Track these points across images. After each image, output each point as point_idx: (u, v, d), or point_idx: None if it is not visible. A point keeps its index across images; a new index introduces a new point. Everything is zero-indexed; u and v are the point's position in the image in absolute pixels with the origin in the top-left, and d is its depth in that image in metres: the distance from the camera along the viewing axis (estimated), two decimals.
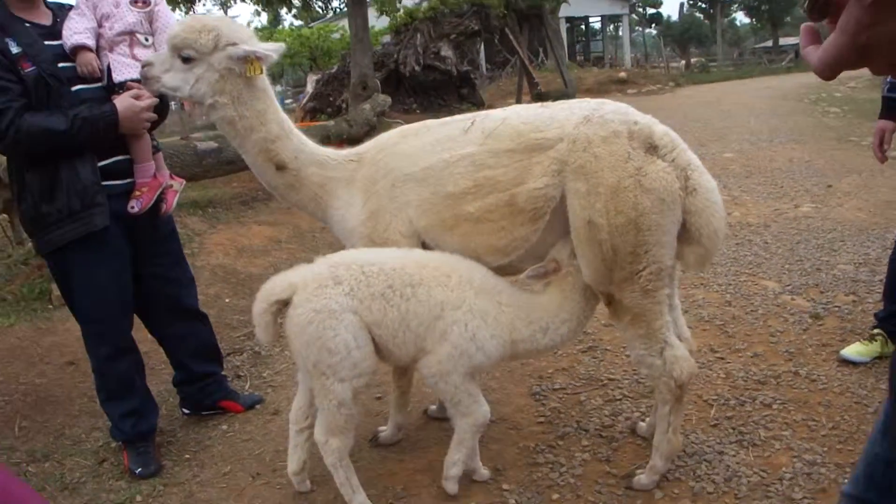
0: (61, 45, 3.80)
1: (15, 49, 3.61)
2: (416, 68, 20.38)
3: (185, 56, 3.44)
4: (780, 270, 6.52)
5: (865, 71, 1.16)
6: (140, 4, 4.00)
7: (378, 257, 3.29)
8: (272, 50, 3.51)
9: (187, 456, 4.20)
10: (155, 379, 4.86)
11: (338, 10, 17.69)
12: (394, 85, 20.04)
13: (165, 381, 4.91)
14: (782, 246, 7.29)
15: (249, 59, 3.41)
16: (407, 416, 4.15)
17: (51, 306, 6.35)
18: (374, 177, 3.59)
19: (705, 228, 3.13)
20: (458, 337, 3.15)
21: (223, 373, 4.77)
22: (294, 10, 19.29)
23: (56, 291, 6.15)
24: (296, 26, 28.27)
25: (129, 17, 3.94)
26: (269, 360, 5.53)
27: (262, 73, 3.49)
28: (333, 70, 20.82)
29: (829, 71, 1.09)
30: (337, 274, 3.18)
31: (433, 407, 4.32)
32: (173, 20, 3.99)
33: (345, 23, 19.97)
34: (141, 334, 4.36)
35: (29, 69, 3.61)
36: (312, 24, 29.11)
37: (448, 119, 3.69)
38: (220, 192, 10.77)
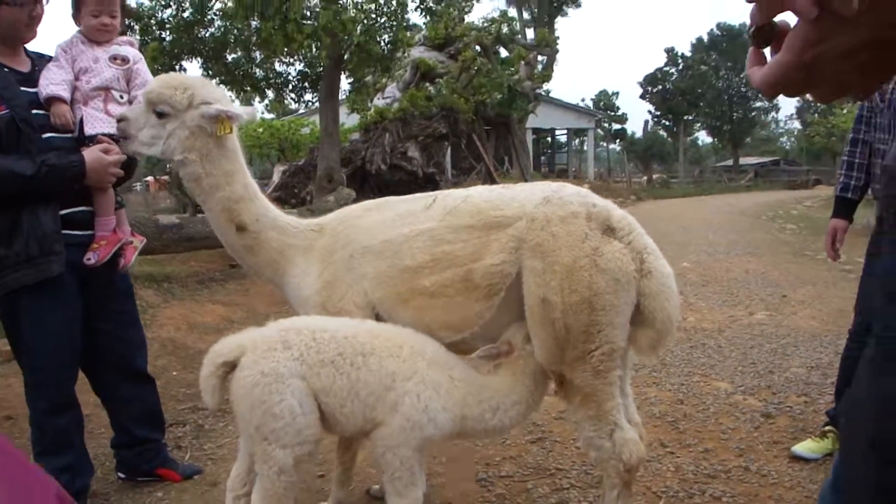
0: (36, 93, 3.84)
1: None
2: (383, 167, 20.56)
3: (160, 111, 3.45)
4: (733, 372, 6.53)
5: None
6: (119, 62, 4.05)
7: (330, 324, 3.23)
8: (243, 112, 3.54)
9: None
10: (93, 442, 4.71)
11: (310, 103, 17.85)
12: (359, 181, 20.18)
13: (103, 445, 4.77)
14: (736, 350, 7.32)
15: (220, 119, 3.43)
16: (349, 493, 4.04)
17: None
18: (333, 247, 3.57)
19: (659, 312, 3.12)
20: (409, 408, 3.05)
21: (164, 441, 4.63)
22: (267, 100, 19.43)
23: (1, 347, 6.04)
24: (267, 118, 28.52)
25: (107, 73, 4.00)
26: (212, 433, 5.39)
27: (231, 132, 3.50)
28: (301, 162, 20.95)
29: (771, 89, 1.08)
30: (287, 338, 3.10)
31: (376, 487, 4.21)
32: (151, 79, 4.01)
33: (315, 118, 20.22)
34: (83, 396, 4.24)
35: (2, 112, 3.63)
36: (284, 117, 29.44)
37: (411, 196, 3.70)
38: (178, 270, 10.71)
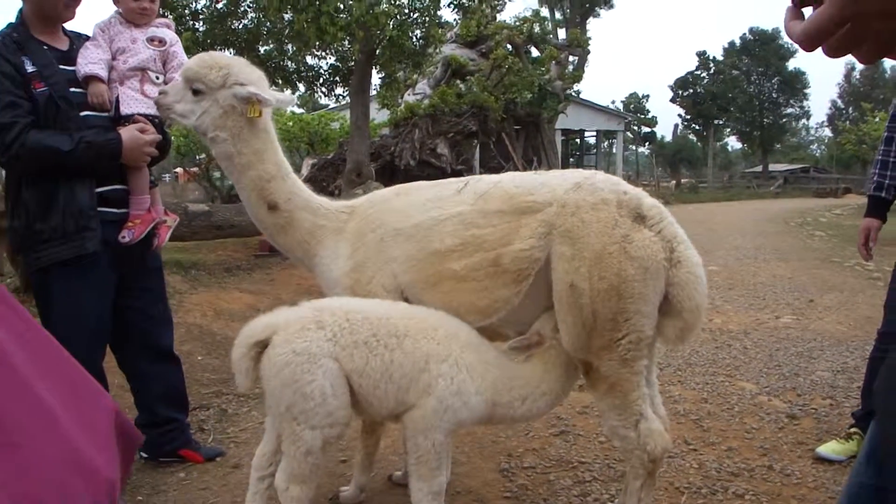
0: (74, 71, 3.90)
1: (30, 68, 3.73)
2: (412, 162, 20.55)
3: (195, 88, 3.52)
4: (759, 374, 6.49)
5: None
6: (156, 43, 4.13)
7: (364, 305, 3.23)
8: (274, 96, 3.57)
9: (139, 498, 4.06)
10: None
11: (340, 97, 17.86)
12: (388, 176, 20.16)
13: None
14: (761, 352, 7.27)
15: (251, 101, 3.46)
16: (371, 479, 4.05)
17: None
18: (364, 230, 3.58)
19: (687, 302, 3.11)
20: (443, 391, 3.05)
21: (187, 422, 4.66)
22: (298, 94, 19.47)
23: None
24: (297, 112, 28.60)
25: (144, 53, 4.06)
26: (236, 417, 5.42)
27: (260, 115, 3.52)
28: (330, 156, 20.98)
29: (810, 42, 1.05)
30: (320, 318, 3.10)
31: (398, 473, 4.21)
32: (186, 61, 4.03)
33: (346, 113, 20.23)
34: (108, 377, 4.25)
35: (41, 89, 3.71)
36: (314, 112, 29.49)
37: (442, 181, 3.71)
38: (205, 258, 10.79)
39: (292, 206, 3.66)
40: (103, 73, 3.95)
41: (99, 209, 3.89)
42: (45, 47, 3.89)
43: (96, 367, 4.02)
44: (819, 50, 1.07)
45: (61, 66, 3.88)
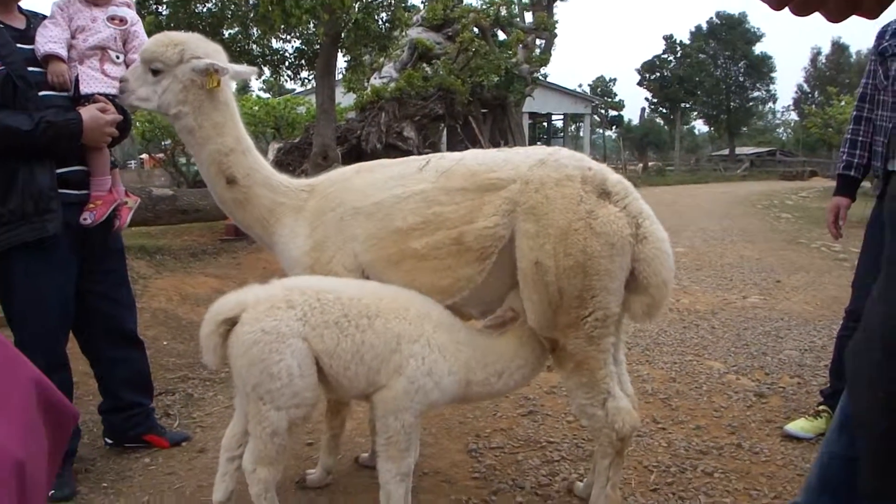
0: (32, 50, 3.80)
1: None
2: (378, 146, 20.43)
3: (154, 68, 3.52)
4: (726, 353, 6.51)
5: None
6: (117, 22, 4.03)
7: (335, 285, 3.17)
8: (231, 66, 3.58)
9: (104, 484, 4.00)
10: (80, 409, 4.62)
11: (306, 80, 17.72)
12: (355, 160, 19.76)
13: (91, 412, 4.71)
14: (729, 331, 7.31)
15: (209, 72, 3.43)
16: (337, 460, 4.00)
17: None
18: (323, 208, 3.52)
19: (654, 278, 3.08)
20: (414, 371, 3.00)
21: (152, 406, 4.59)
22: (263, 78, 19.33)
23: None
24: (263, 97, 28.40)
25: (104, 32, 3.96)
26: (202, 402, 5.35)
27: (218, 85, 3.49)
28: (296, 140, 20.83)
29: (778, 2, 1.04)
30: (291, 297, 3.04)
31: (364, 455, 4.17)
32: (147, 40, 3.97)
33: (312, 97, 20.09)
34: (71, 364, 4.17)
35: None
36: (280, 97, 29.30)
37: (404, 159, 3.66)
38: (171, 242, 10.71)
39: (251, 182, 3.61)
40: (63, 52, 3.84)
41: (59, 191, 3.80)
42: (1, 26, 3.77)
43: (59, 351, 3.97)
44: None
45: (19, 45, 3.77)
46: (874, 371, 1.44)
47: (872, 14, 1.07)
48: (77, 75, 3.89)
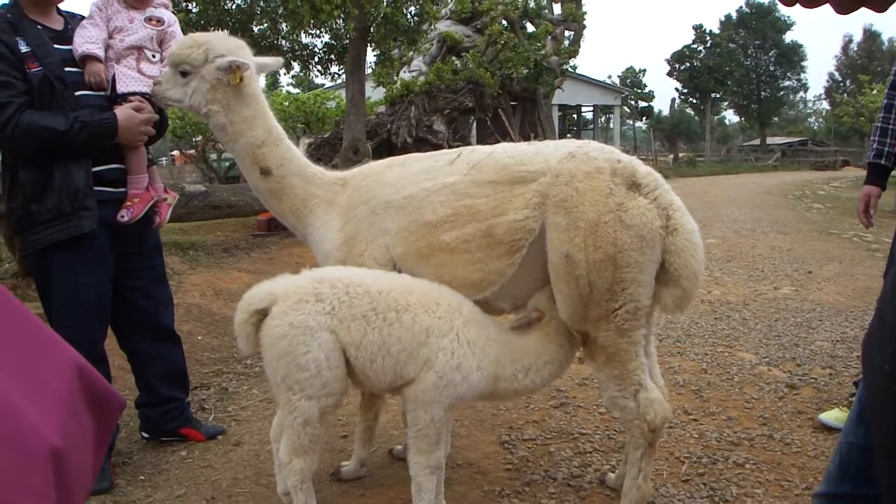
0: (70, 51, 3.89)
1: (24, 48, 3.70)
2: (408, 140, 20.44)
3: (183, 71, 3.62)
4: (758, 344, 6.49)
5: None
6: (154, 22, 4.12)
7: (365, 278, 3.19)
8: (257, 62, 3.71)
9: (142, 477, 4.08)
10: None
11: (336, 75, 17.75)
12: (385, 154, 19.96)
13: (128, 406, 4.75)
14: (760, 322, 7.28)
15: (232, 69, 3.52)
16: (371, 452, 4.06)
17: None
18: (356, 202, 3.57)
19: (684, 269, 3.09)
20: (443, 365, 3.03)
21: (188, 401, 4.66)
22: (293, 73, 19.37)
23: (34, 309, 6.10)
24: (293, 92, 28.47)
25: (141, 32, 4.06)
26: (236, 395, 5.43)
27: (241, 81, 3.57)
28: (326, 135, 20.89)
29: None
30: (320, 290, 3.08)
31: (399, 447, 4.21)
32: None
33: (341, 92, 20.14)
34: (110, 358, 4.26)
35: (35, 69, 3.69)
36: (308, 92, 29.36)
37: (435, 152, 3.70)
38: (204, 238, 10.80)
39: (285, 172, 3.69)
40: (101, 53, 3.93)
41: (96, 188, 3.88)
42: (40, 27, 3.85)
43: (97, 346, 4.03)
44: (803, 10, 1.08)
45: (56, 46, 3.85)
46: (889, 363, 1.45)
47: (880, 7, 1.09)
48: (114, 74, 3.97)
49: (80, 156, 3.82)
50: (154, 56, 4.10)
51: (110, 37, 4.01)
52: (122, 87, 3.96)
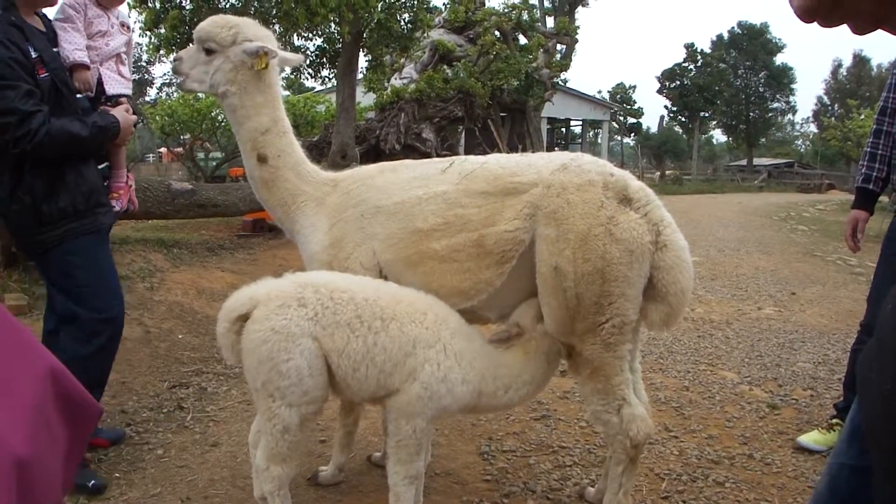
0: (58, 52, 3.89)
1: (33, 54, 3.66)
2: (397, 146, 20.41)
3: (208, 48, 3.67)
4: (740, 363, 6.50)
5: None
6: (125, 29, 4.30)
7: (351, 284, 3.14)
8: (283, 55, 3.78)
9: (117, 475, 4.03)
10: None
11: (326, 79, 17.73)
12: (373, 160, 19.76)
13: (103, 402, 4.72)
14: (743, 342, 7.29)
15: (259, 54, 3.57)
16: (349, 458, 4.02)
17: None
18: (344, 205, 3.55)
19: (672, 286, 3.08)
20: (429, 376, 2.98)
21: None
22: (284, 74, 19.32)
23: (10, 301, 6.09)
24: (283, 95, 28.44)
25: (119, 38, 4.20)
26: (215, 396, 5.37)
27: (266, 67, 3.62)
28: (315, 139, 20.87)
29: (807, 15, 1.07)
30: (303, 295, 3.02)
31: (377, 454, 4.18)
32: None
33: (331, 96, 20.13)
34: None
35: (44, 75, 3.68)
36: (298, 95, 29.36)
37: (428, 160, 3.69)
38: (188, 237, 10.74)
39: (280, 163, 3.71)
40: (88, 61, 3.99)
41: None
42: (36, 30, 3.81)
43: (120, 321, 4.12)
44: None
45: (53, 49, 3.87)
46: (887, 382, 1.45)
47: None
48: (99, 76, 4.08)
49: (87, 157, 3.94)
50: (125, 59, 4.27)
51: (91, 38, 4.07)
52: (110, 89, 4.12)
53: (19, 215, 3.78)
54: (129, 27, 4.35)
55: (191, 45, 3.84)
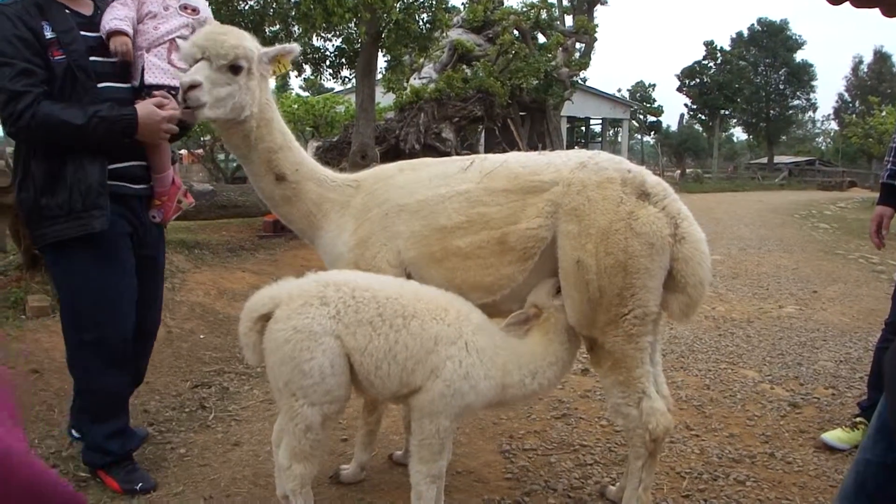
0: (97, 38, 3.67)
1: (49, 34, 3.49)
2: (416, 146, 20.43)
3: (238, 66, 3.32)
4: (761, 362, 6.48)
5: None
6: (189, 11, 3.91)
7: (373, 283, 3.13)
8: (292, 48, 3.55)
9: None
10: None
11: (346, 79, 17.76)
12: (392, 159, 19.75)
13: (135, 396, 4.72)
14: (764, 340, 7.27)
15: (278, 58, 3.45)
16: (371, 457, 4.04)
17: (24, 316, 6.10)
18: (369, 205, 3.57)
19: (691, 277, 3.11)
20: (451, 373, 2.98)
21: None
22: (304, 75, 19.35)
23: (32, 303, 6.06)
24: (302, 95, 28.52)
25: (176, 21, 3.84)
26: (237, 395, 5.42)
27: (287, 69, 3.52)
28: (335, 139, 20.91)
29: None
30: (325, 294, 3.01)
31: (399, 453, 4.20)
32: None
33: (351, 96, 20.17)
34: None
35: (59, 57, 3.48)
36: (318, 96, 29.41)
37: (447, 158, 3.71)
38: (210, 237, 10.81)
39: (299, 177, 3.63)
40: (129, 29, 3.69)
41: (117, 184, 3.71)
42: (68, 11, 3.65)
43: (128, 347, 3.86)
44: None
45: (83, 33, 3.63)
46: None
47: None
48: (143, 65, 3.75)
49: (95, 152, 3.60)
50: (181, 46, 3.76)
51: (141, 21, 3.79)
52: (150, 78, 3.73)
53: (25, 206, 3.65)
54: (195, 9, 3.91)
55: (200, 64, 3.28)
